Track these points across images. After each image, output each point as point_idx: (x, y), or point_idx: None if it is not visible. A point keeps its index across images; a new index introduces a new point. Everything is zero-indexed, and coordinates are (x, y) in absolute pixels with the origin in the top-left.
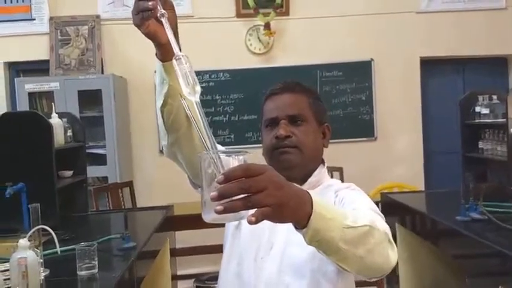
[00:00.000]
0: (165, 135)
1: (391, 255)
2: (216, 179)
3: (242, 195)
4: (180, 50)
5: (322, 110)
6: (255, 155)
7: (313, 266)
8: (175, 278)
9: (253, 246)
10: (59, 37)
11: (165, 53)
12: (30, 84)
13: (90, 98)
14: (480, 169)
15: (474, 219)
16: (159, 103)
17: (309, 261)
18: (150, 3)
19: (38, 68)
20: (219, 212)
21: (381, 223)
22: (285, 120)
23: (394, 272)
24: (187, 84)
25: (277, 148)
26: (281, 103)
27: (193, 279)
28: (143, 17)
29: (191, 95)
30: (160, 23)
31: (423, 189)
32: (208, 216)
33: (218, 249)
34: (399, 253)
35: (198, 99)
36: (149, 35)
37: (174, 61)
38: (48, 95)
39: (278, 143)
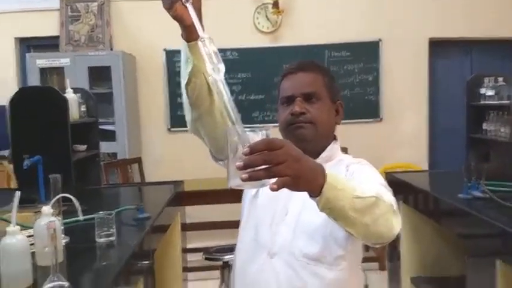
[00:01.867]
0: (189, 111)
1: (395, 224)
2: (241, 151)
3: (265, 166)
4: (204, 31)
5: (335, 89)
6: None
7: (325, 231)
8: (185, 251)
9: (269, 212)
10: (69, 13)
11: (189, 34)
12: (42, 60)
13: (99, 75)
14: (483, 150)
15: (476, 197)
16: (184, 81)
17: (322, 227)
18: None
19: (47, 44)
20: (244, 180)
21: (387, 196)
22: (300, 98)
23: (396, 248)
24: (212, 63)
25: (293, 124)
26: (297, 82)
27: (201, 252)
28: (172, 1)
29: (215, 73)
30: (186, 6)
31: (427, 170)
32: (234, 183)
33: (226, 224)
34: (402, 230)
35: (222, 78)
36: (176, 18)
37: (199, 42)
38: (59, 71)
39: (293, 119)
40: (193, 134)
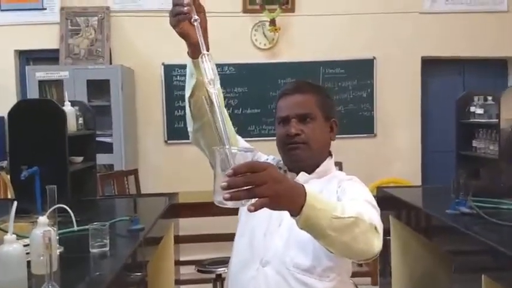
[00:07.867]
0: (191, 122)
1: (375, 243)
2: (226, 172)
3: (246, 187)
4: (208, 49)
5: (330, 107)
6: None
7: (316, 243)
8: (178, 263)
9: (263, 222)
10: (69, 27)
11: (194, 51)
12: (41, 73)
13: (98, 88)
14: (473, 167)
15: (463, 213)
16: (188, 94)
17: (313, 240)
18: (185, 8)
19: (47, 57)
20: (226, 200)
21: (369, 215)
22: (295, 119)
23: (388, 263)
24: (209, 77)
25: (288, 144)
26: (292, 103)
27: (194, 265)
28: (179, 20)
29: (211, 86)
30: (193, 25)
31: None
32: (217, 200)
33: (219, 237)
34: (393, 245)
35: (216, 91)
36: (182, 35)
37: (199, 59)
38: (58, 84)
39: (289, 139)
40: (195, 145)
